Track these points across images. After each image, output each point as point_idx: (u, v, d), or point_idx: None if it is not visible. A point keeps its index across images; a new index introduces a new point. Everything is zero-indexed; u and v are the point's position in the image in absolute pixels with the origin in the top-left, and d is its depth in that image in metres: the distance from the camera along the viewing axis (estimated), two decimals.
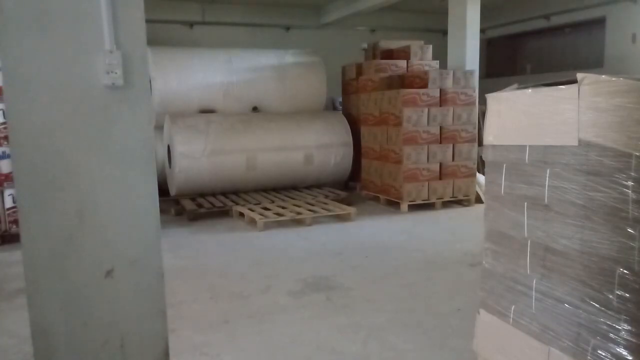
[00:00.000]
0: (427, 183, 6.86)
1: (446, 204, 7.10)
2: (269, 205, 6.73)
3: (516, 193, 2.28)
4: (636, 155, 1.78)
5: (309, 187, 8.01)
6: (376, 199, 7.51)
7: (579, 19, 10.43)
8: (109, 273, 2.16)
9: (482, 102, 5.73)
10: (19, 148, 1.98)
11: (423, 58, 8.15)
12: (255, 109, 8.22)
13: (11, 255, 5.06)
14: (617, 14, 9.67)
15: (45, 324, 2.09)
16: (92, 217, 2.10)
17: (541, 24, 11.18)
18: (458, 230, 5.89)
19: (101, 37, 2.01)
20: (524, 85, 2.30)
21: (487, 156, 2.47)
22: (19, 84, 1.95)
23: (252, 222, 6.18)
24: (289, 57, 8.46)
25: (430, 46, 8.24)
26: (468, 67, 7.34)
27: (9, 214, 5.61)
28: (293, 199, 7.21)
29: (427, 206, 6.97)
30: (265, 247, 5.32)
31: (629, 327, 1.82)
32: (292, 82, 8.33)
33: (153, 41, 7.93)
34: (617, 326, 1.85)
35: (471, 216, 6.58)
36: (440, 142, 6.91)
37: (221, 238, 5.75)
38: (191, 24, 10.75)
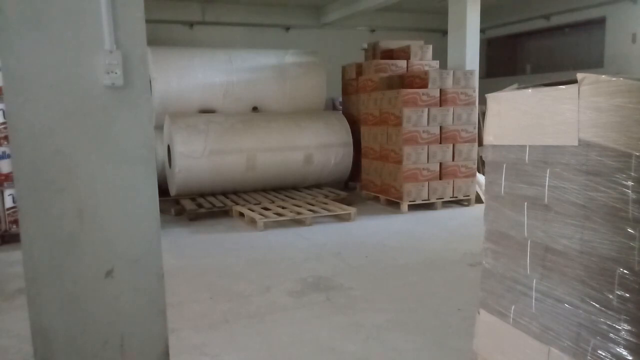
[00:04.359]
0: (427, 183, 6.86)
1: (446, 204, 7.10)
2: (269, 205, 6.73)
3: (516, 193, 2.28)
4: (636, 155, 1.78)
5: (309, 187, 8.01)
6: (376, 199, 7.51)
7: (579, 19, 10.44)
8: (109, 273, 2.16)
9: (482, 102, 5.73)
10: (19, 148, 1.98)
11: (423, 58, 8.14)
12: (255, 109, 8.22)
13: (11, 255, 5.06)
14: (617, 14, 9.68)
15: (45, 324, 2.09)
16: (92, 217, 2.10)
17: (541, 24, 11.19)
18: (458, 230, 5.89)
19: (101, 37, 2.01)
20: (524, 85, 2.30)
21: (487, 156, 2.46)
22: (19, 84, 1.95)
23: (252, 222, 6.18)
24: (289, 57, 8.46)
25: (430, 46, 8.25)
26: (468, 67, 7.34)
27: (9, 214, 5.61)
28: (293, 199, 7.21)
29: (427, 206, 6.97)
30: (265, 247, 5.32)
31: (629, 327, 1.82)
32: (292, 82, 8.33)
33: (153, 41, 7.94)
34: (617, 326, 1.85)
35: (471, 216, 6.58)
36: (440, 142, 6.91)
37: (221, 238, 5.75)
38: (191, 24, 10.76)
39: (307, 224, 6.18)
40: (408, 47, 8.17)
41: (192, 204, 6.79)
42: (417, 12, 12.18)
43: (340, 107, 9.67)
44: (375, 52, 8.49)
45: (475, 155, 7.15)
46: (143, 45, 2.11)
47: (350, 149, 7.98)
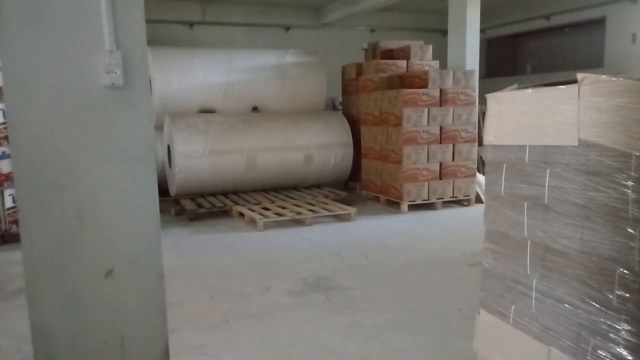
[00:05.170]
0: (427, 183, 6.86)
1: (446, 204, 7.10)
2: (269, 205, 6.73)
3: (516, 193, 2.28)
4: (636, 155, 1.78)
5: (309, 187, 8.01)
6: (376, 199, 7.51)
7: (579, 19, 10.44)
8: (109, 273, 2.16)
9: (482, 102, 5.73)
10: (19, 148, 1.98)
11: (423, 58, 8.15)
12: (255, 109, 8.22)
13: (11, 255, 5.06)
14: (617, 14, 9.68)
15: (45, 324, 2.09)
16: (92, 217, 2.10)
17: (541, 24, 11.19)
18: (458, 230, 5.89)
19: (101, 37, 2.01)
20: (524, 85, 2.30)
21: (487, 156, 2.47)
22: (19, 84, 1.95)
23: (252, 222, 6.18)
24: (289, 57, 8.46)
25: (430, 46, 8.25)
26: (468, 67, 7.34)
27: (9, 214, 5.61)
28: (293, 199, 7.21)
29: (427, 206, 6.97)
30: (265, 247, 5.32)
31: (629, 327, 1.82)
32: (292, 82, 8.33)
33: (153, 41, 7.94)
34: (617, 326, 1.85)
35: (471, 216, 6.58)
36: (440, 142, 6.91)
37: (221, 238, 5.75)
38: (191, 24, 10.76)
39: (307, 224, 6.17)
40: (408, 47, 8.17)
41: (192, 204, 6.79)
42: (417, 12, 12.17)
43: (340, 107, 9.67)
44: (375, 52, 8.49)
45: (475, 155, 7.15)
46: (143, 45, 2.11)
47: (350, 149, 7.98)
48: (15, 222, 5.50)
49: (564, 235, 2.04)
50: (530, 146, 2.18)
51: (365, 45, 8.99)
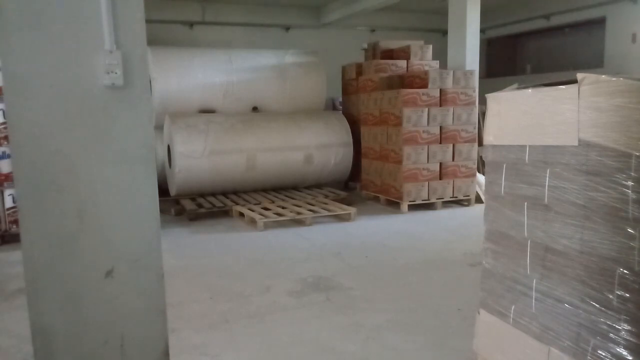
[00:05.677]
0: (427, 183, 6.86)
1: (446, 204, 7.10)
2: (269, 205, 6.73)
3: (516, 193, 2.28)
4: (636, 155, 1.78)
5: (309, 187, 8.01)
6: (376, 199, 7.51)
7: (579, 19, 10.44)
8: (109, 273, 2.16)
9: (482, 102, 5.73)
10: (19, 148, 1.98)
11: (423, 58, 8.15)
12: (255, 109, 8.22)
13: (11, 255, 5.06)
14: (617, 14, 9.68)
15: (45, 324, 2.09)
16: (92, 217, 2.10)
17: (541, 24, 11.20)
18: (458, 230, 5.89)
19: (101, 37, 2.01)
20: (524, 85, 2.30)
21: (487, 156, 2.47)
22: (18, 83, 1.95)
23: (252, 222, 6.18)
24: (289, 57, 8.46)
25: (430, 46, 8.25)
26: (468, 67, 7.34)
27: (9, 214, 5.61)
28: (293, 199, 7.21)
29: (427, 206, 6.97)
30: (265, 247, 5.32)
31: (629, 327, 1.82)
32: (292, 82, 8.33)
33: (153, 41, 7.93)
34: (617, 326, 1.85)
35: (471, 216, 6.58)
36: (440, 142, 6.91)
37: (221, 238, 5.75)
38: (191, 24, 10.76)
39: (307, 224, 6.17)
40: (408, 47, 8.17)
41: (192, 204, 6.79)
42: (417, 12, 12.18)
43: (340, 107, 9.67)
44: (375, 52, 8.49)
45: (475, 155, 7.15)
46: (143, 45, 2.11)
47: (350, 149, 7.98)
48: (15, 222, 5.50)
49: (564, 235, 2.04)
50: (530, 146, 2.18)
51: (365, 45, 8.98)
